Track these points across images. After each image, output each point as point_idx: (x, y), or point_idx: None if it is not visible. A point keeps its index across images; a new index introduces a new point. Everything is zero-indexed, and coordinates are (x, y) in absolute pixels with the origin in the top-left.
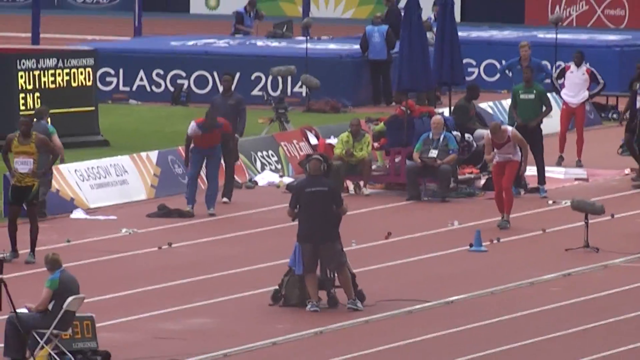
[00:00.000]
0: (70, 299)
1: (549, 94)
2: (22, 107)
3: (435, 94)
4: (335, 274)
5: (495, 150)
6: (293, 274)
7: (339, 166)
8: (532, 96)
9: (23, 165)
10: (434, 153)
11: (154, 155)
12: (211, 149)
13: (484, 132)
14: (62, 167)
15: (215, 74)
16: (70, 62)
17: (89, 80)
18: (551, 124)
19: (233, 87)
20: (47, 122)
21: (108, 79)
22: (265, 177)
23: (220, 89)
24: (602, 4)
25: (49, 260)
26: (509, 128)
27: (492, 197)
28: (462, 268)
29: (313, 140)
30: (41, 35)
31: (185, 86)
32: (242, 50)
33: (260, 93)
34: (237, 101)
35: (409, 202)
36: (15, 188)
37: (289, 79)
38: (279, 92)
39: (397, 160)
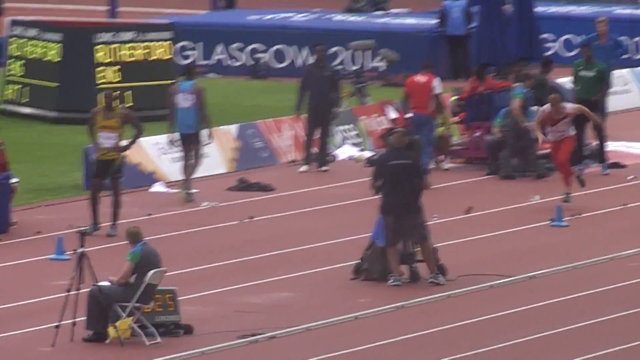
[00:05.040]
0: (151, 272)
1: (621, 71)
2: (99, 81)
3: (514, 68)
4: (417, 248)
5: (548, 128)
6: (375, 248)
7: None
8: (592, 73)
9: (107, 139)
10: None
11: (233, 128)
12: None
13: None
14: (142, 140)
15: (294, 47)
16: (148, 36)
17: (167, 53)
18: (628, 99)
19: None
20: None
21: (187, 52)
22: (345, 151)
23: (298, 61)
24: None
25: (130, 233)
26: (568, 105)
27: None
28: (543, 243)
29: (392, 115)
30: (118, 9)
31: (264, 60)
32: (321, 24)
33: (339, 67)
34: (332, 73)
35: (489, 176)
36: (99, 161)
37: (368, 53)
38: (357, 66)
39: (477, 134)
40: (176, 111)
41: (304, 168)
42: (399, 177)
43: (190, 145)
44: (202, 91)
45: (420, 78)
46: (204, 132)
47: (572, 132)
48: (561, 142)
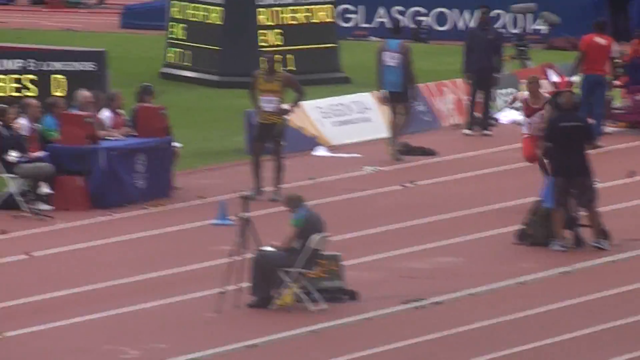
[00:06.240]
0: (315, 237)
1: None
2: (261, 44)
3: None
4: (581, 213)
5: (527, 118)
6: (539, 212)
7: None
8: None
9: (268, 103)
10: None
11: None
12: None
13: None
14: (304, 104)
15: (455, 10)
16: None
17: (329, 16)
18: None
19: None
20: None
21: (348, 15)
22: (507, 115)
23: (460, 24)
24: None
25: (290, 199)
26: (547, 96)
27: None
28: None
29: (554, 78)
30: None
31: (426, 23)
32: None
33: (501, 30)
34: (496, 36)
35: None
36: (260, 126)
37: (529, 16)
38: (519, 29)
39: (638, 98)
40: (383, 69)
41: (466, 131)
42: (570, 139)
43: (397, 103)
44: (408, 50)
45: (600, 40)
46: (410, 91)
47: None
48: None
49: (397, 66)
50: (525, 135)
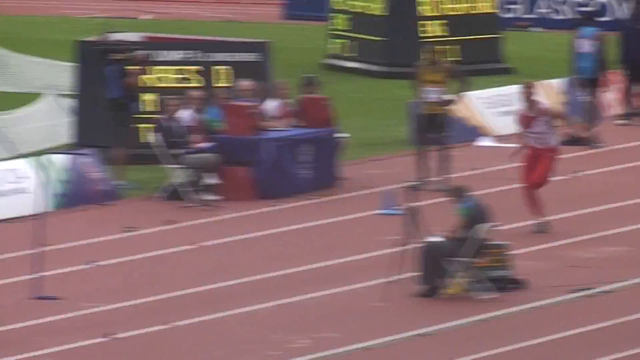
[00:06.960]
0: (482, 226)
1: None
2: (421, 35)
3: None
4: None
5: (523, 130)
6: None
7: None
8: None
9: (432, 94)
10: None
11: (558, 83)
12: None
13: None
14: (467, 94)
15: (615, 0)
16: None
17: (491, 7)
18: None
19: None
20: None
21: (510, 6)
22: None
23: (620, 15)
24: None
25: (454, 189)
26: (541, 102)
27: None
28: None
29: None
30: None
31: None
32: None
33: None
34: None
35: None
36: (424, 116)
37: None
38: None
39: None
40: (576, 56)
41: (619, 121)
42: None
43: (589, 89)
44: (603, 39)
45: None
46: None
47: (555, 140)
48: (539, 156)
49: (590, 53)
50: (525, 150)
